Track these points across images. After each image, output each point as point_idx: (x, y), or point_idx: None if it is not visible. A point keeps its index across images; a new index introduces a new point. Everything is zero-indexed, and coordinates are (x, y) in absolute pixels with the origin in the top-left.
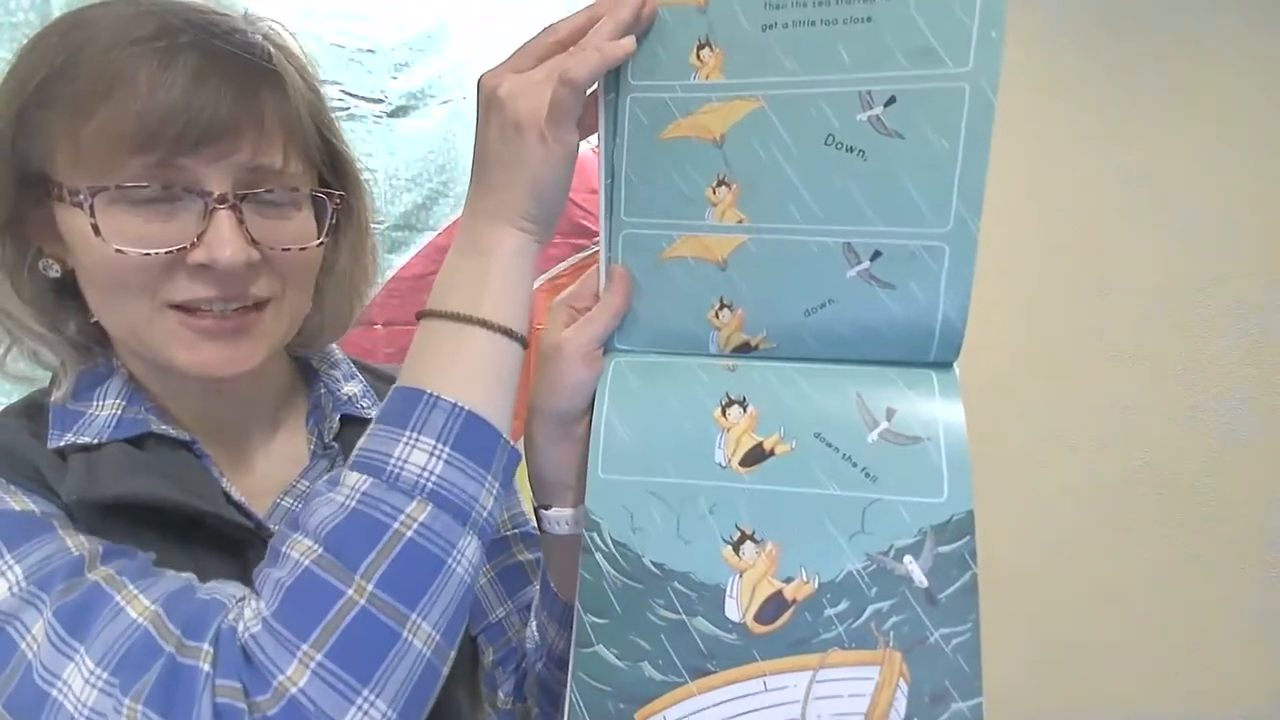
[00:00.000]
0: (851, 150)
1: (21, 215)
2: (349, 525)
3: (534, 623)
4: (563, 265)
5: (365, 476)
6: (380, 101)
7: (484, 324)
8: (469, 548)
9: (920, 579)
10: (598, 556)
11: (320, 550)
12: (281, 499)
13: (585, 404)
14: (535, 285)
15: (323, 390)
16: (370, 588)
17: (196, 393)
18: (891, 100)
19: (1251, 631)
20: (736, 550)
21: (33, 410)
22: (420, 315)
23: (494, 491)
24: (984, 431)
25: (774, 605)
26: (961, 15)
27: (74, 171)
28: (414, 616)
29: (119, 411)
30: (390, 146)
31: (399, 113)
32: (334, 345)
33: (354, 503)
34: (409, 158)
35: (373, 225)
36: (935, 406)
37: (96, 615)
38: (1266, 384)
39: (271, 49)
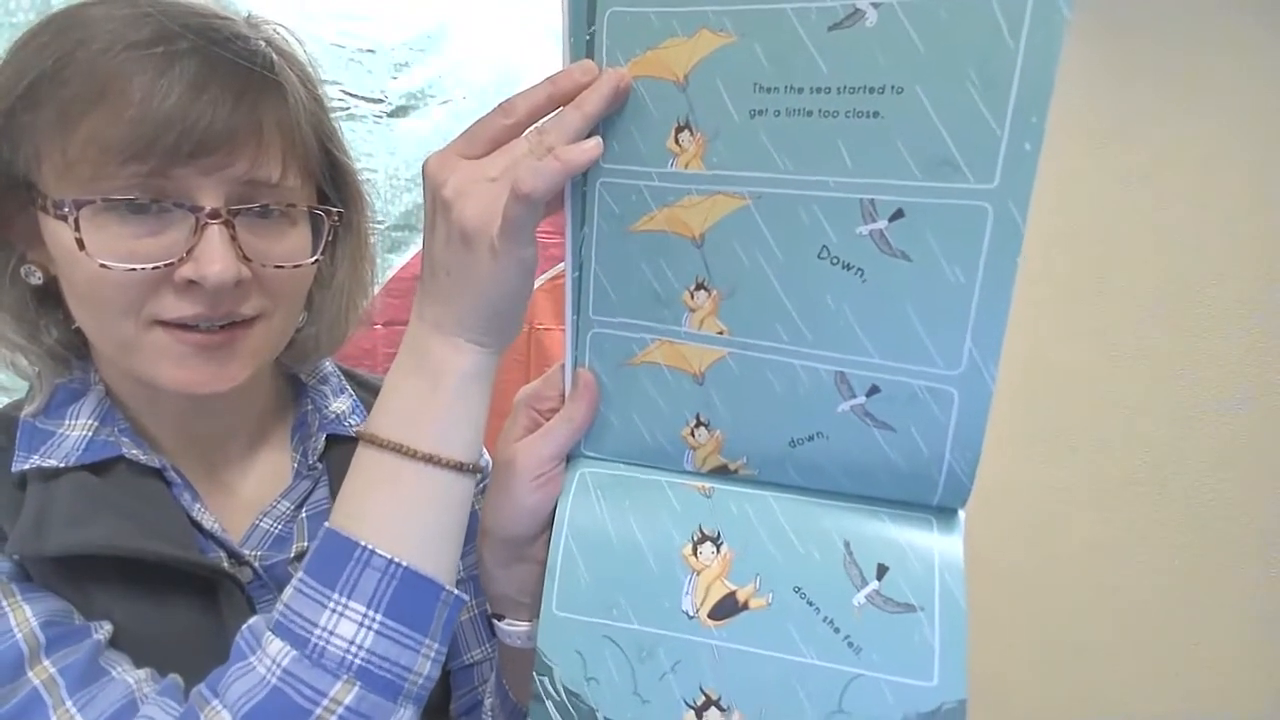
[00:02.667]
0: (849, 268)
1: (5, 219)
2: (269, 706)
3: (489, 700)
4: (564, 265)
5: (287, 648)
6: (380, 101)
7: (429, 460)
8: None
9: None
10: (548, 705)
11: None
12: (260, 520)
13: (540, 528)
14: (536, 285)
15: (309, 407)
16: None
17: (176, 408)
18: (898, 214)
19: (1251, 631)
20: (699, 717)
21: (5, 424)
22: (360, 434)
23: (431, 654)
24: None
25: None
26: (990, 121)
27: (60, 180)
28: None
29: (90, 433)
30: (390, 146)
31: (399, 113)
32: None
33: (274, 679)
34: (409, 158)
35: (372, 236)
36: (933, 565)
37: None
38: (1266, 384)
39: (274, 56)
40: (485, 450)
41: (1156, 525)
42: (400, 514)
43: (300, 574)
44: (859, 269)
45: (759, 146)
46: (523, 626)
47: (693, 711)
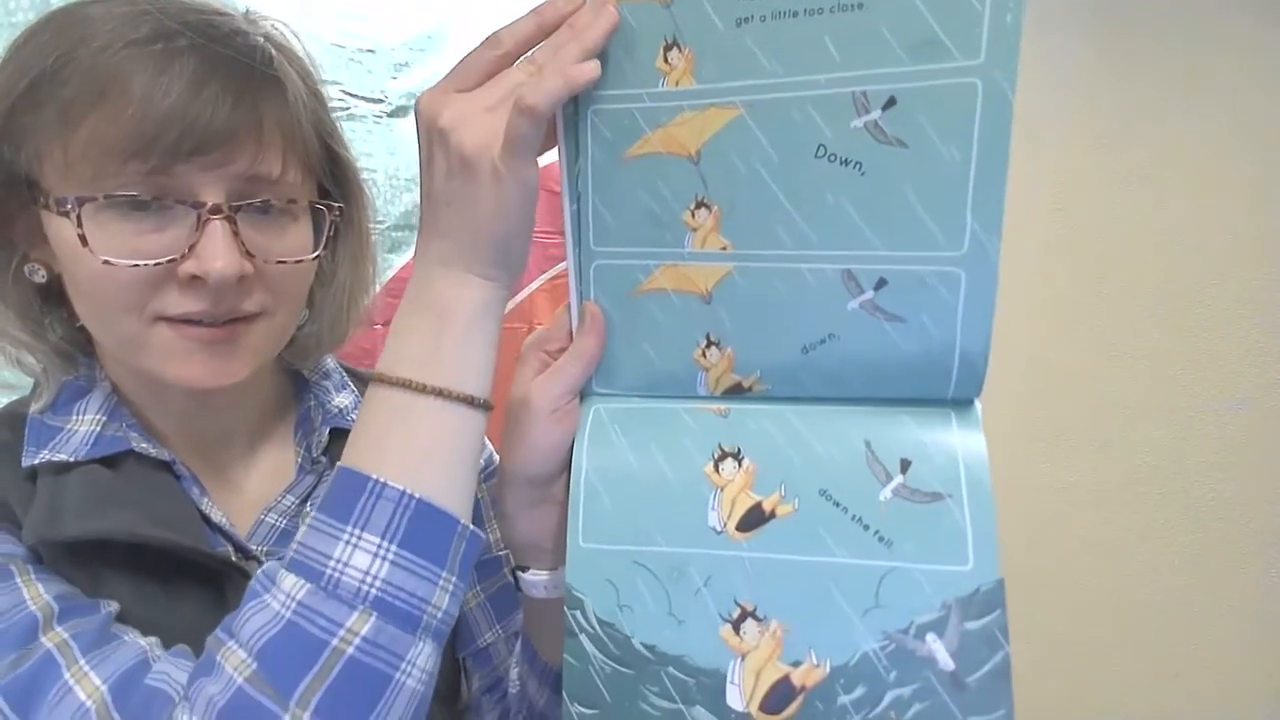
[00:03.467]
0: (846, 163)
1: (8, 218)
2: (284, 640)
3: (515, 669)
4: (563, 265)
5: (302, 582)
6: (380, 101)
7: (440, 394)
8: (420, 656)
9: (945, 660)
10: (582, 639)
11: (254, 666)
12: (265, 515)
13: (559, 466)
14: (535, 285)
15: (312, 402)
16: (307, 716)
17: (181, 404)
18: (891, 102)
19: (1252, 631)
20: (737, 629)
21: (10, 421)
22: (370, 379)
23: (449, 588)
24: (984, 432)
25: (781, 692)
26: None
27: (62, 178)
28: None
29: (98, 428)
30: (390, 146)
31: (399, 113)
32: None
33: (289, 613)
34: (409, 158)
35: (373, 232)
36: (956, 455)
37: (44, 694)
38: (1267, 384)
39: (273, 52)
40: (490, 444)
41: (1156, 525)
42: (412, 449)
43: (313, 512)
44: (857, 163)
45: (747, 54)
46: (545, 575)
47: (729, 625)
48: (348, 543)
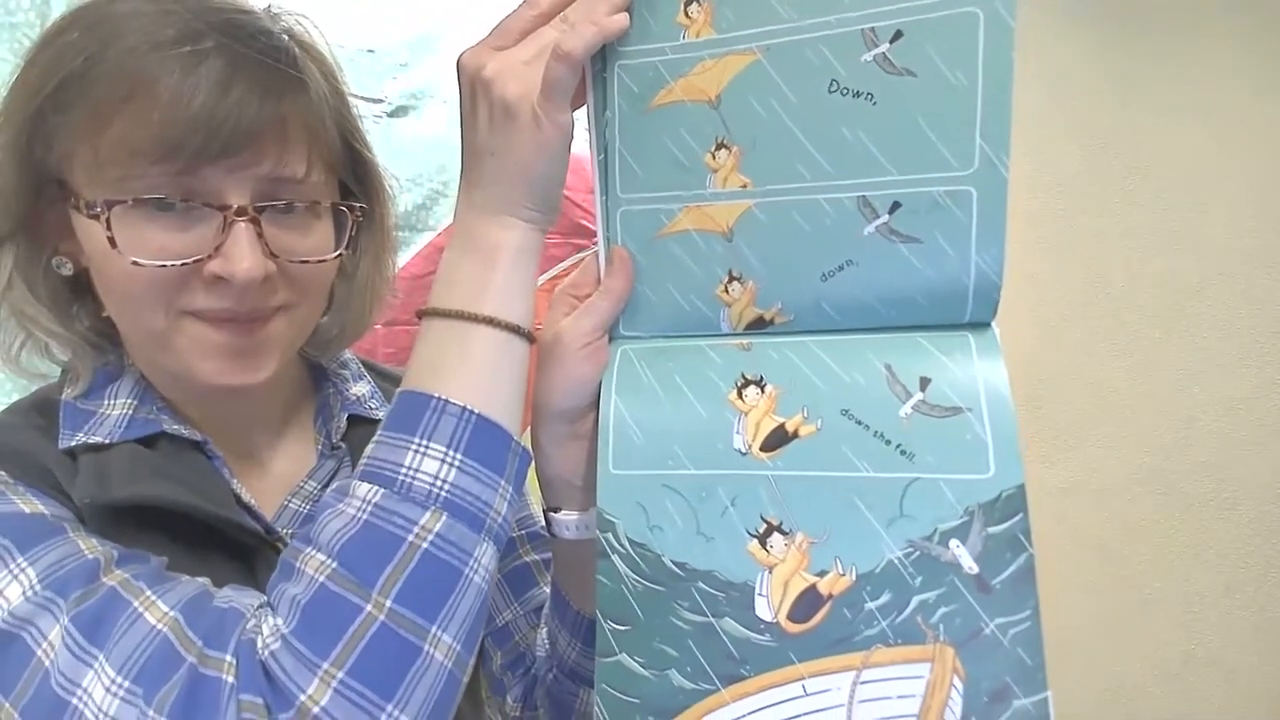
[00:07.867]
0: (859, 95)
1: (38, 215)
2: (362, 539)
3: (544, 630)
4: (564, 265)
5: (376, 487)
6: (380, 101)
7: (489, 322)
8: (485, 555)
9: (969, 565)
10: (615, 559)
11: (335, 565)
12: (288, 501)
13: (590, 400)
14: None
15: (331, 390)
16: (389, 604)
17: (205, 394)
18: (898, 35)
19: (1252, 633)
20: (763, 544)
21: (43, 407)
22: (421, 313)
23: (507, 496)
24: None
25: (808, 602)
26: None
27: (91, 180)
28: (434, 630)
29: (130, 411)
30: (390, 146)
31: (399, 113)
32: None
33: (366, 515)
34: (409, 158)
35: (394, 227)
36: (974, 372)
37: (114, 622)
38: (1267, 383)
39: (296, 51)
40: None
41: (1156, 525)
42: (467, 371)
43: (380, 431)
44: (869, 94)
45: (763, 2)
46: (576, 515)
47: (756, 540)
48: (416, 451)
